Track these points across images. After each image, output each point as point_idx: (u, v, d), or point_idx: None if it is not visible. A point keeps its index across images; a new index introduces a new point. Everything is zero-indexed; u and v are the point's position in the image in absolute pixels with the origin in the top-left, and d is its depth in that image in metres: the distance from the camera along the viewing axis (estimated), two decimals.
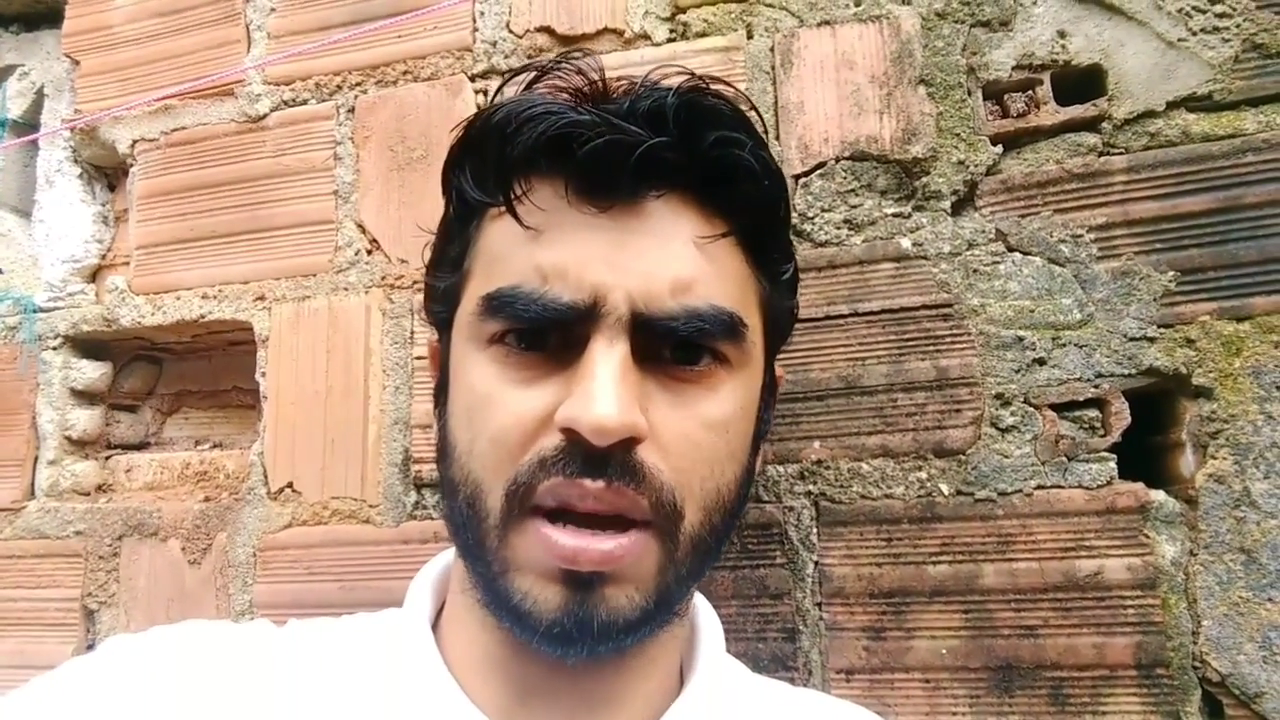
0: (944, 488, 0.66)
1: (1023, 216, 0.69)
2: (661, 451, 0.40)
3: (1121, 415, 0.64)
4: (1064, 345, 0.66)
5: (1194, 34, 0.66)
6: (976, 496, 0.66)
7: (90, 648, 0.75)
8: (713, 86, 0.44)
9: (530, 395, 0.41)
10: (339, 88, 0.87)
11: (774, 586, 0.68)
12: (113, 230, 0.98)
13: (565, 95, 0.43)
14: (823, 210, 0.72)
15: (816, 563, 0.68)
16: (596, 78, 0.43)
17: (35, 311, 0.94)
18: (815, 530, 0.68)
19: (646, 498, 0.40)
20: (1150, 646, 0.61)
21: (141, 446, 0.98)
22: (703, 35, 0.78)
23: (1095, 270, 0.66)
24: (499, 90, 0.48)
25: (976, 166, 0.70)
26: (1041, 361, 0.66)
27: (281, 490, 0.81)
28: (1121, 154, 0.67)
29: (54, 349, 0.93)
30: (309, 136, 0.87)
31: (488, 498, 0.41)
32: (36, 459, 0.92)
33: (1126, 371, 0.65)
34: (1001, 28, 0.71)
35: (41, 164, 0.98)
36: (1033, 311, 0.67)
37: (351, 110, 0.86)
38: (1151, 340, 0.65)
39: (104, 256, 0.97)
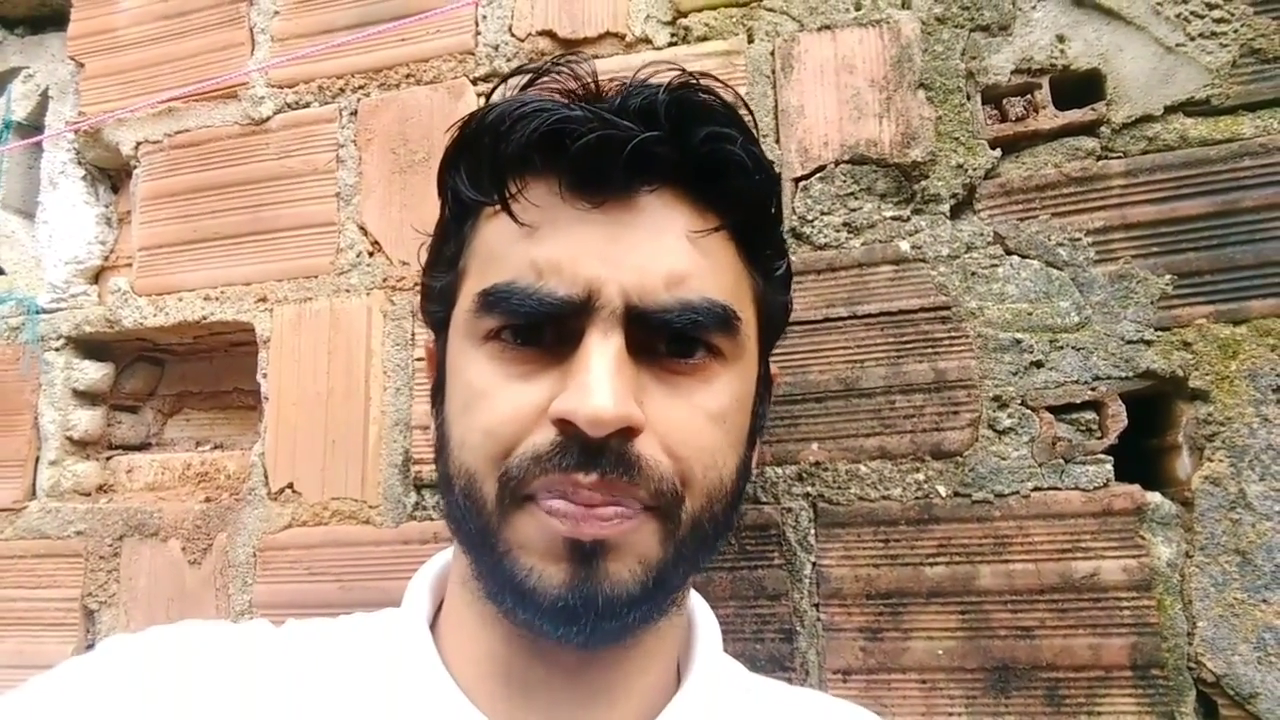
0: (941, 489, 0.67)
1: (1021, 220, 0.69)
2: (661, 443, 0.41)
3: (1118, 418, 0.65)
4: (1061, 348, 0.66)
5: (1192, 39, 0.67)
6: (974, 498, 0.66)
7: (90, 648, 0.75)
8: (703, 83, 0.44)
9: (526, 389, 0.41)
10: (342, 90, 0.87)
11: (771, 587, 0.69)
12: (116, 232, 0.99)
13: (559, 95, 0.44)
14: (822, 213, 0.73)
15: (814, 564, 0.68)
16: (589, 79, 0.44)
17: (38, 312, 0.94)
18: (813, 531, 0.69)
19: (644, 488, 0.40)
20: (1145, 647, 0.61)
21: (143, 447, 0.98)
22: (704, 39, 0.78)
23: (1093, 273, 0.67)
24: (493, 93, 0.48)
25: (975, 170, 0.70)
26: (1039, 364, 0.66)
27: (282, 491, 0.82)
28: (1119, 158, 0.68)
29: (56, 350, 0.93)
30: (312, 139, 0.88)
31: (482, 486, 0.42)
32: (38, 459, 0.92)
33: (1123, 374, 0.65)
34: (1001, 32, 0.71)
35: (45, 166, 0.98)
36: (1030, 314, 0.67)
37: (354, 113, 0.87)
38: (1148, 343, 0.65)
39: (107, 258, 0.97)
